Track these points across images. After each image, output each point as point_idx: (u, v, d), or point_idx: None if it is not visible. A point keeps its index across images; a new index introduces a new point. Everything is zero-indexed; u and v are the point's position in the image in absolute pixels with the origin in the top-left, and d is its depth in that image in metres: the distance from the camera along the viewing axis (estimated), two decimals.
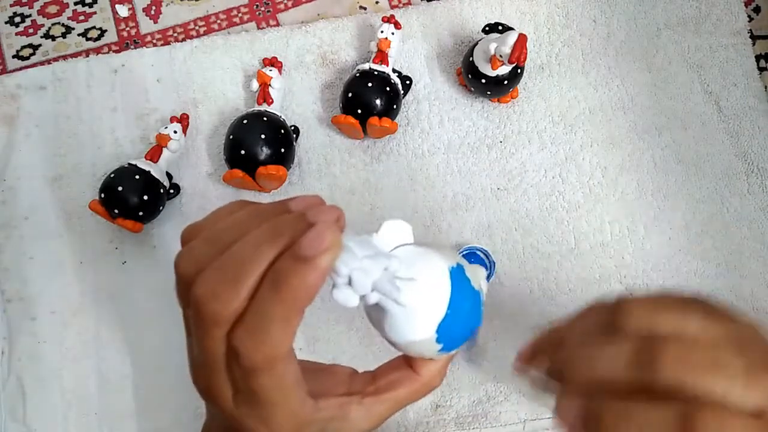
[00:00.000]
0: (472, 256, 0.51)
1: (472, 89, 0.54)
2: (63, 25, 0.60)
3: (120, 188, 0.49)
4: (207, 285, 0.24)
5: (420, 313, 0.26)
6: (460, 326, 0.27)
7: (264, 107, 0.53)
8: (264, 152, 0.50)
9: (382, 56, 0.53)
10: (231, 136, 0.51)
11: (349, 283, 0.24)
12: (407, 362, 0.31)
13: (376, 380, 0.31)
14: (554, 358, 0.28)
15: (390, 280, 0.25)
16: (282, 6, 0.60)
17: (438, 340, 0.26)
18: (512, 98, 0.55)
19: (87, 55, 0.59)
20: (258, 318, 0.24)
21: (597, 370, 0.25)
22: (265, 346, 0.24)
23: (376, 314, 0.27)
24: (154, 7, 0.60)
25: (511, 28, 0.51)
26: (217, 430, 0.32)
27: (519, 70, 0.52)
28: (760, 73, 0.56)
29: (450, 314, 0.26)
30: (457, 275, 0.27)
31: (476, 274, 0.28)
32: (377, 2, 0.59)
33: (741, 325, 0.25)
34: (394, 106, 0.53)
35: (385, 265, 0.25)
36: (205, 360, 0.26)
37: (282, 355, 0.24)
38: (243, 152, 0.50)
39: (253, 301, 0.24)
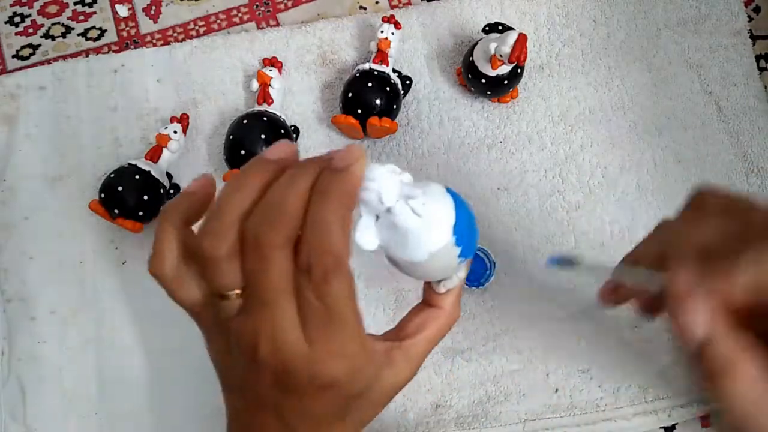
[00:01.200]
0: (474, 255, 0.51)
1: (472, 89, 0.54)
2: (63, 25, 0.60)
3: (120, 188, 0.49)
4: (258, 219, 0.26)
5: (435, 220, 0.28)
6: (469, 228, 0.30)
7: (264, 107, 0.53)
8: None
9: (382, 56, 0.53)
10: (231, 136, 0.51)
11: (379, 198, 0.27)
12: (426, 303, 0.33)
13: (404, 329, 0.33)
14: (652, 255, 0.30)
15: (408, 189, 0.28)
16: (282, 6, 0.60)
17: (456, 243, 0.29)
18: (512, 98, 0.55)
19: (87, 55, 0.59)
20: (318, 226, 0.26)
21: (700, 238, 0.27)
22: (332, 247, 0.26)
23: (395, 241, 0.29)
24: (154, 7, 0.60)
25: (511, 28, 0.51)
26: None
27: (519, 70, 0.52)
28: (760, 73, 0.56)
29: (458, 217, 0.29)
30: (450, 191, 0.30)
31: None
32: (377, 2, 0.59)
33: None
34: (394, 106, 0.53)
35: (400, 179, 0.28)
36: (271, 300, 0.26)
37: (347, 257, 0.26)
38: (243, 152, 0.50)
39: (308, 219, 0.26)
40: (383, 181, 0.28)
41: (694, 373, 0.26)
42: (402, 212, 0.28)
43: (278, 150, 0.28)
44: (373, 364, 0.30)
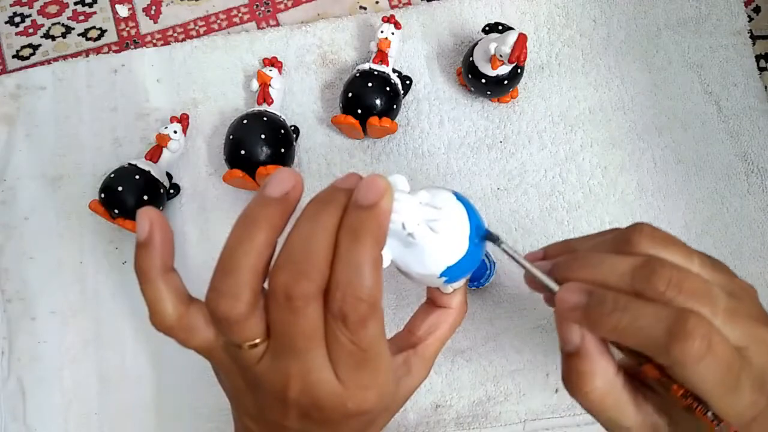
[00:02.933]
0: None
1: (472, 89, 0.54)
2: (63, 25, 0.60)
3: (120, 188, 0.49)
4: (285, 271, 0.25)
5: (453, 234, 0.28)
6: (479, 229, 0.29)
7: (264, 107, 0.53)
8: (264, 152, 0.50)
9: (382, 56, 0.53)
10: (231, 136, 0.51)
11: (402, 227, 0.27)
12: (432, 303, 0.33)
13: (414, 332, 0.33)
14: (563, 259, 0.30)
15: (427, 212, 0.28)
16: (282, 6, 0.60)
17: (472, 249, 0.29)
18: (512, 98, 0.55)
19: (87, 55, 0.59)
20: (351, 271, 0.25)
21: (603, 272, 0.28)
22: (367, 291, 0.25)
23: (411, 257, 0.28)
24: (154, 7, 0.60)
25: (511, 28, 0.50)
26: None
27: (519, 70, 0.52)
28: (760, 73, 0.56)
29: (471, 223, 0.29)
30: (458, 195, 0.30)
31: None
32: (377, 2, 0.59)
33: (739, 282, 0.29)
34: (394, 106, 0.53)
35: (417, 200, 0.28)
36: (302, 348, 0.26)
37: (381, 297, 0.26)
38: (243, 152, 0.50)
39: (338, 262, 0.25)
40: (408, 211, 0.27)
41: (562, 368, 0.30)
42: (422, 234, 0.28)
43: (282, 184, 0.26)
44: (397, 379, 0.30)
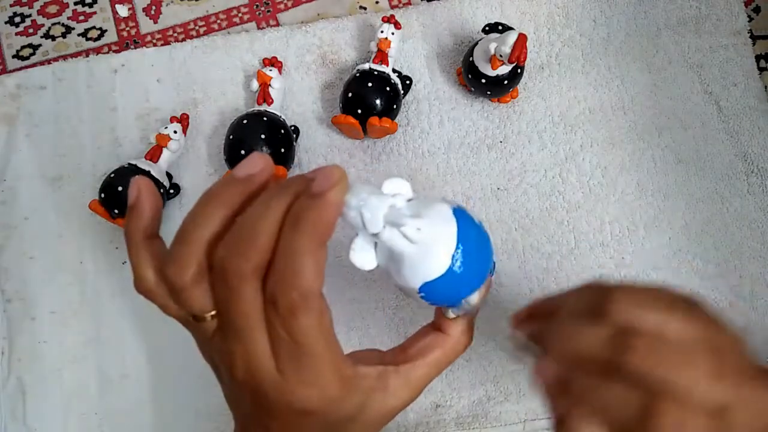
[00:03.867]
0: None
1: (472, 89, 0.54)
2: (63, 25, 0.60)
3: (120, 188, 0.49)
4: (227, 247, 0.25)
5: (431, 247, 0.27)
6: (477, 254, 0.28)
7: (264, 107, 0.53)
8: (264, 152, 0.50)
9: (382, 56, 0.53)
10: (231, 136, 0.51)
11: (363, 224, 0.26)
12: (434, 326, 0.32)
13: (406, 350, 0.32)
14: (542, 326, 0.31)
15: (398, 214, 0.26)
16: (282, 6, 0.60)
17: (458, 271, 0.27)
18: (512, 98, 0.55)
19: (87, 55, 0.59)
20: (286, 258, 0.25)
21: (576, 345, 0.27)
22: (299, 281, 0.24)
23: (392, 265, 0.28)
24: (154, 7, 0.60)
25: (511, 28, 0.50)
26: None
27: (519, 70, 0.52)
28: (760, 73, 0.56)
29: (462, 242, 0.27)
30: (459, 212, 0.28)
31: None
32: (377, 2, 0.59)
33: (722, 331, 0.27)
34: (394, 106, 0.53)
35: (390, 203, 0.27)
36: (242, 328, 0.26)
37: (317, 292, 0.25)
38: (243, 152, 0.50)
39: (278, 248, 0.25)
40: (367, 207, 0.26)
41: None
42: (392, 239, 0.26)
43: (249, 166, 0.27)
44: (358, 391, 0.29)
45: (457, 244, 0.27)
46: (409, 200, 0.28)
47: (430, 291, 0.28)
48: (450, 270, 0.27)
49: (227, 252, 0.25)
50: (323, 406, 0.27)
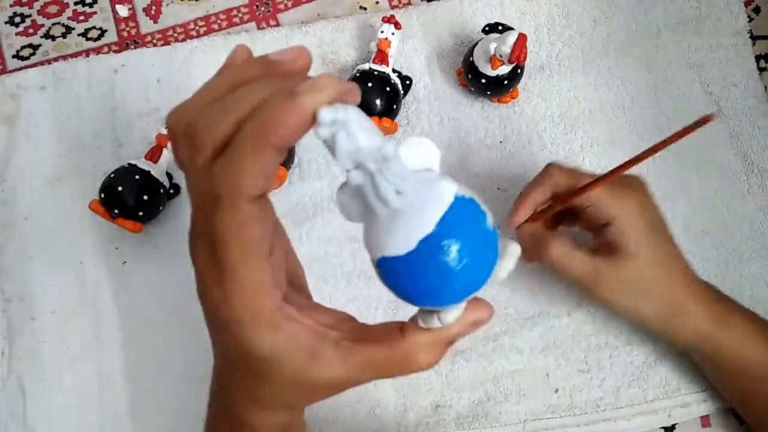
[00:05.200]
0: None
1: (472, 89, 0.54)
2: (63, 25, 0.60)
3: (120, 188, 0.49)
4: (200, 114, 0.24)
5: (402, 218, 0.22)
6: (455, 257, 0.23)
7: None
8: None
9: (382, 56, 0.53)
10: None
11: (333, 152, 0.22)
12: (400, 325, 0.28)
13: (363, 331, 0.28)
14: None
15: (376, 159, 0.22)
16: (282, 6, 0.60)
17: (429, 260, 0.23)
18: (512, 98, 0.55)
19: (87, 55, 0.58)
20: (232, 147, 0.23)
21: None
22: (230, 175, 0.23)
23: (362, 221, 0.24)
24: (154, 7, 0.60)
25: (511, 28, 0.50)
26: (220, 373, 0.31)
27: (519, 70, 0.52)
28: (760, 74, 0.56)
29: (437, 233, 0.22)
30: (467, 202, 0.23)
31: (505, 238, 0.26)
32: (377, 2, 0.59)
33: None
34: (394, 107, 0.52)
35: (378, 144, 0.22)
36: (191, 200, 0.25)
37: (247, 196, 0.23)
38: None
39: (236, 134, 0.23)
40: (344, 132, 0.22)
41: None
42: (361, 186, 0.22)
43: (281, 53, 0.25)
44: (280, 334, 0.25)
45: (436, 228, 0.22)
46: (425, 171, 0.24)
47: (387, 270, 0.23)
48: (414, 254, 0.22)
49: (199, 120, 0.24)
50: (234, 327, 0.25)
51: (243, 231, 0.23)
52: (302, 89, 0.22)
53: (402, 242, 0.22)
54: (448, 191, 0.23)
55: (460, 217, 0.23)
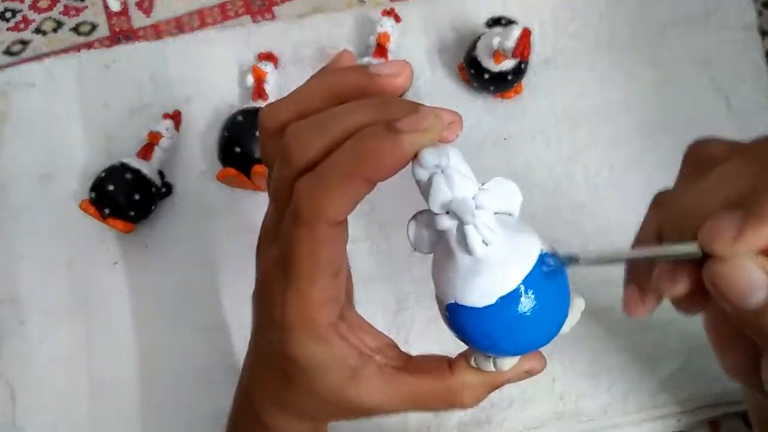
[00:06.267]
0: None
1: (475, 85, 0.53)
2: (54, 20, 0.59)
3: (111, 187, 0.49)
4: (295, 126, 0.24)
5: (486, 270, 0.22)
6: (527, 318, 0.23)
7: (259, 103, 0.52)
8: (259, 150, 0.49)
9: (381, 51, 0.52)
10: (225, 133, 0.50)
11: (427, 193, 0.22)
12: (448, 359, 0.28)
13: (408, 361, 0.28)
14: (668, 227, 0.25)
15: (470, 208, 0.22)
16: None
17: (505, 312, 0.23)
18: (516, 94, 0.54)
19: (78, 51, 0.58)
20: (322, 170, 0.23)
21: (723, 190, 0.23)
22: (315, 198, 0.23)
23: (437, 263, 0.24)
24: (146, 1, 0.59)
25: (514, 22, 0.50)
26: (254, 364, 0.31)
27: (523, 65, 0.51)
28: None
29: (518, 291, 0.22)
30: (550, 259, 0.23)
31: (572, 291, 0.25)
32: None
33: None
34: None
35: (474, 193, 0.22)
36: (271, 208, 0.26)
37: (328, 219, 0.23)
38: (238, 150, 0.49)
39: (329, 155, 0.23)
40: (444, 176, 0.22)
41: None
42: (449, 230, 0.22)
43: (389, 67, 0.25)
44: (326, 347, 0.26)
45: (519, 287, 0.22)
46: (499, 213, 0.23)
47: (458, 317, 0.23)
48: (492, 309, 0.22)
49: (293, 136, 0.24)
50: (284, 329, 0.25)
51: (317, 252, 0.24)
52: (406, 127, 0.22)
53: (481, 296, 0.22)
54: (533, 248, 0.23)
55: (542, 276, 0.23)
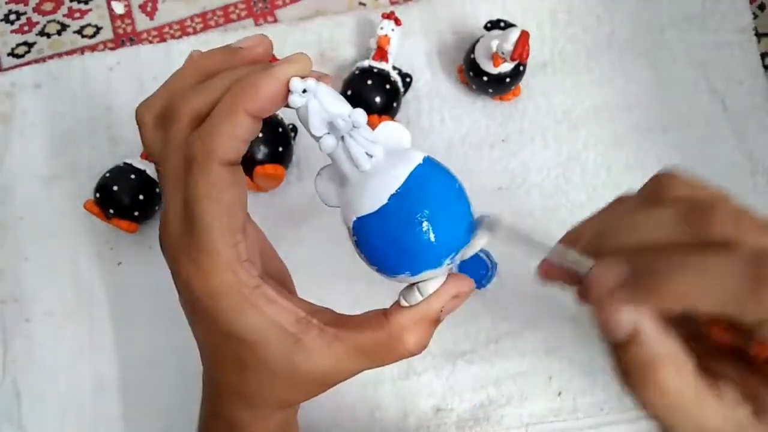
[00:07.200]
0: (474, 256, 0.50)
1: (474, 87, 0.53)
2: (58, 22, 0.59)
3: (115, 188, 0.49)
4: (181, 96, 0.26)
5: (374, 177, 0.24)
6: (426, 210, 0.23)
7: None
8: (261, 151, 0.49)
9: (381, 53, 0.52)
10: None
11: (305, 119, 0.24)
12: (383, 310, 0.28)
13: (346, 319, 0.28)
14: (589, 236, 0.26)
15: (347, 123, 0.24)
16: (280, 2, 0.59)
17: (399, 221, 0.24)
18: (514, 96, 0.54)
19: (82, 53, 0.58)
20: (209, 117, 0.25)
21: (643, 233, 0.23)
22: (204, 139, 0.24)
23: (342, 198, 0.25)
24: (150, 4, 0.59)
25: (513, 25, 0.50)
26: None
27: (521, 68, 0.51)
28: (766, 71, 0.55)
29: (407, 187, 0.23)
30: (437, 164, 0.25)
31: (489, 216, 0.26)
32: None
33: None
34: (394, 104, 0.52)
35: (348, 111, 0.24)
36: (165, 176, 0.26)
37: (219, 159, 0.24)
38: None
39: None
40: (316, 100, 0.24)
41: (614, 367, 0.25)
42: (333, 151, 0.24)
43: (246, 41, 0.28)
44: (258, 315, 0.25)
45: (406, 182, 0.23)
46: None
47: (361, 231, 0.24)
48: (385, 209, 0.23)
49: (177, 92, 0.26)
50: (210, 302, 0.25)
51: (216, 192, 0.24)
52: (277, 64, 0.24)
53: (373, 200, 0.23)
54: (416, 153, 0.25)
55: (430, 174, 0.24)
